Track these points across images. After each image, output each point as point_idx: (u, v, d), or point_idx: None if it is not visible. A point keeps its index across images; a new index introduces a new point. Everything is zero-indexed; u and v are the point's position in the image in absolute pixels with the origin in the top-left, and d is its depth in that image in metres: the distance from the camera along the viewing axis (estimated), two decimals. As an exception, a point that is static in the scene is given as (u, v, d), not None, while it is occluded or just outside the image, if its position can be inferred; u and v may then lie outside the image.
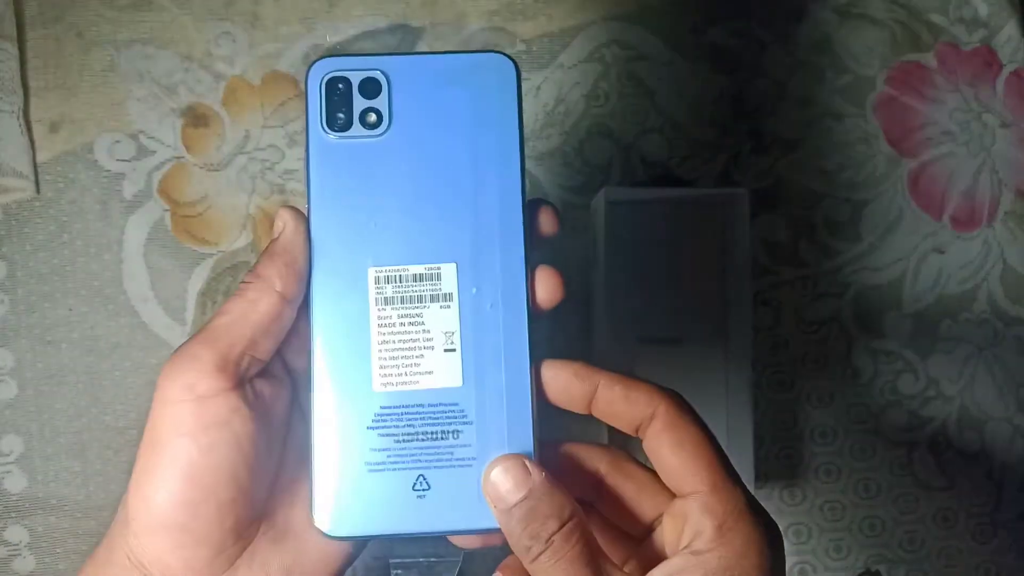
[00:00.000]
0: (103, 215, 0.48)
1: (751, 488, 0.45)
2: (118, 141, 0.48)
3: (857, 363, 0.51)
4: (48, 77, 0.48)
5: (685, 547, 0.26)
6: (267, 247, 0.28)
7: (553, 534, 0.25)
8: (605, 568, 0.25)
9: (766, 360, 0.50)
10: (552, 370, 0.28)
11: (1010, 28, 0.52)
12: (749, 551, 0.25)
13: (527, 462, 0.26)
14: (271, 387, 0.28)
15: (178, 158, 0.49)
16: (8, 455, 0.48)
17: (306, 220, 0.28)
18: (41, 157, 0.48)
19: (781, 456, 0.51)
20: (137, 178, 0.48)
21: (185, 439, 0.26)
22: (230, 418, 0.26)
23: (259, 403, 0.27)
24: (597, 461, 0.29)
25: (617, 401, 0.28)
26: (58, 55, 0.48)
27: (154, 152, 0.48)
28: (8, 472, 0.48)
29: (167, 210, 0.48)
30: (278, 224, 0.28)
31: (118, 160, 0.48)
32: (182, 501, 0.26)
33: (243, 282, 0.28)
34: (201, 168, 0.49)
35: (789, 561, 0.51)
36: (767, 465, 0.50)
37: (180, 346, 0.27)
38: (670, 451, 0.27)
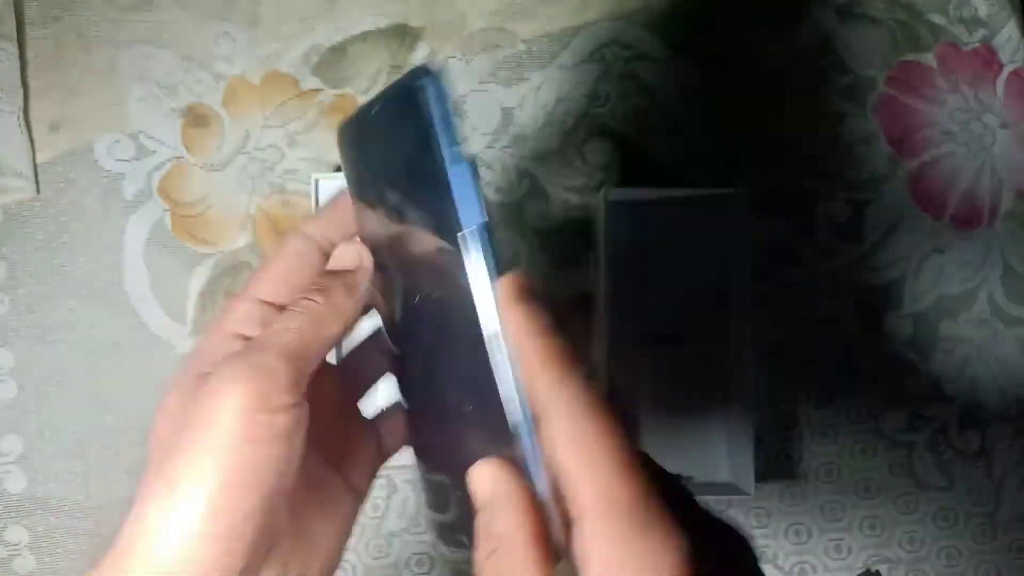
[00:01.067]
0: (103, 215, 0.48)
1: (751, 488, 0.45)
2: (118, 141, 0.48)
3: (857, 363, 0.51)
4: (48, 77, 0.48)
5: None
6: (341, 274, 0.29)
7: (500, 534, 0.24)
8: None
9: (767, 360, 0.50)
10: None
11: (1010, 28, 0.52)
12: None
13: (497, 464, 0.25)
14: (305, 401, 0.28)
15: (178, 158, 0.49)
16: (8, 455, 0.48)
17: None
18: (41, 157, 0.48)
19: (781, 456, 0.51)
20: (137, 178, 0.48)
21: (256, 449, 0.25)
22: (293, 432, 0.26)
23: (305, 419, 0.27)
24: None
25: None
26: (58, 55, 0.48)
27: (154, 152, 0.48)
28: (8, 472, 0.48)
29: (167, 210, 0.48)
30: (353, 257, 0.30)
31: (118, 160, 0.48)
32: (244, 513, 0.25)
33: (312, 300, 0.28)
34: (201, 168, 0.49)
35: (789, 561, 0.51)
36: (767, 465, 0.50)
37: (239, 355, 0.26)
38: (558, 461, 0.23)
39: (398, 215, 0.28)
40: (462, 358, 0.27)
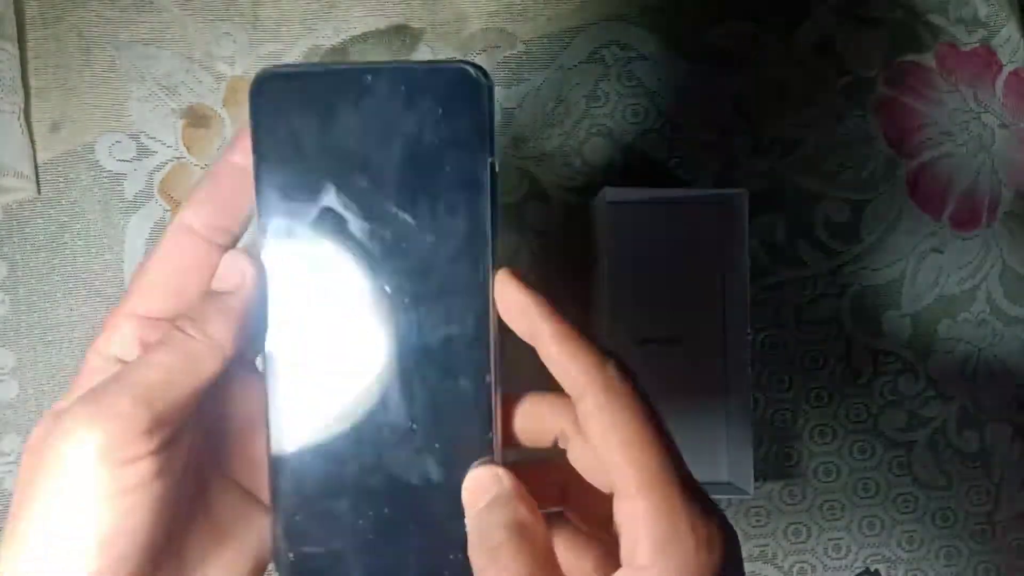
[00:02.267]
0: (104, 215, 0.48)
1: (750, 488, 0.46)
2: (119, 141, 0.48)
3: (857, 363, 0.51)
4: (48, 77, 0.48)
5: (627, 561, 0.23)
6: (220, 297, 0.24)
7: (499, 545, 0.23)
8: None
9: (766, 360, 0.50)
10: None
11: (1010, 28, 0.52)
12: (691, 561, 0.23)
13: (500, 472, 0.25)
14: (184, 439, 0.25)
15: (179, 159, 0.49)
16: (8, 455, 0.48)
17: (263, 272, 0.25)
18: (41, 157, 0.48)
19: (780, 456, 0.51)
20: (138, 178, 0.48)
21: (103, 503, 0.22)
22: (151, 481, 0.23)
23: (178, 460, 0.24)
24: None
25: (552, 366, 0.25)
26: (58, 55, 0.48)
27: (155, 152, 0.49)
28: (8, 472, 0.48)
29: (168, 210, 0.48)
30: (235, 276, 0.25)
31: (119, 160, 0.48)
32: (98, 570, 0.22)
33: (183, 331, 0.24)
34: (202, 168, 0.49)
35: (788, 561, 0.51)
36: (766, 465, 0.50)
37: (93, 393, 0.23)
38: (596, 442, 0.24)
39: (375, 198, 0.25)
40: (433, 361, 0.25)
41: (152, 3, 0.49)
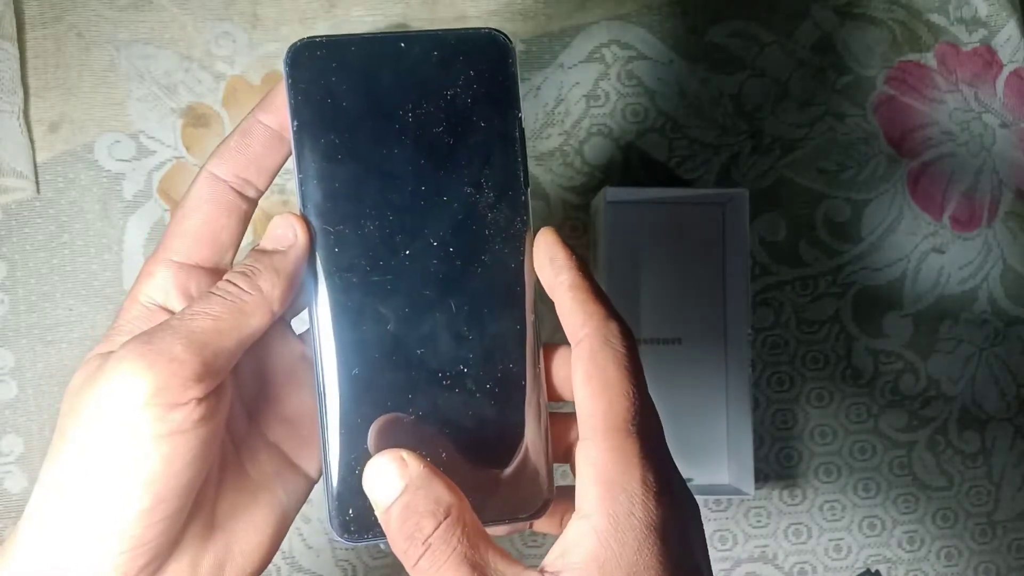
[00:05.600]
0: (103, 215, 0.48)
1: (750, 488, 0.45)
2: (118, 141, 0.48)
3: (857, 363, 0.51)
4: (48, 77, 0.48)
5: (578, 507, 0.24)
6: (270, 255, 0.25)
7: (429, 535, 0.23)
8: (493, 566, 0.23)
9: (766, 360, 0.50)
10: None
11: (1010, 28, 0.52)
12: (636, 508, 0.23)
13: (404, 455, 0.24)
14: (226, 391, 0.25)
15: (178, 158, 0.49)
16: (8, 455, 0.48)
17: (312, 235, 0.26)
18: (41, 157, 0.48)
19: (781, 456, 0.51)
20: (137, 178, 0.48)
21: (148, 445, 0.23)
22: (196, 427, 0.23)
23: (221, 411, 0.25)
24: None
25: (563, 314, 0.25)
26: (58, 55, 0.48)
27: (154, 152, 0.49)
28: (8, 472, 0.48)
29: (167, 210, 0.48)
30: (287, 234, 0.25)
31: (118, 160, 0.48)
32: (138, 511, 0.23)
33: (235, 284, 0.25)
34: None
35: (789, 561, 0.51)
36: (767, 465, 0.50)
37: (144, 336, 0.23)
38: (577, 385, 0.24)
39: (413, 155, 0.26)
40: (475, 310, 0.26)
41: (151, 3, 0.49)
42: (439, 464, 0.26)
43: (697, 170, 0.50)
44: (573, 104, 0.50)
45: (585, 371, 0.24)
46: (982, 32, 0.52)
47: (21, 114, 0.48)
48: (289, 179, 0.49)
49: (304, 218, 0.26)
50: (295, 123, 0.26)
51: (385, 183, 0.26)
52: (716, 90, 0.51)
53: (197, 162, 0.48)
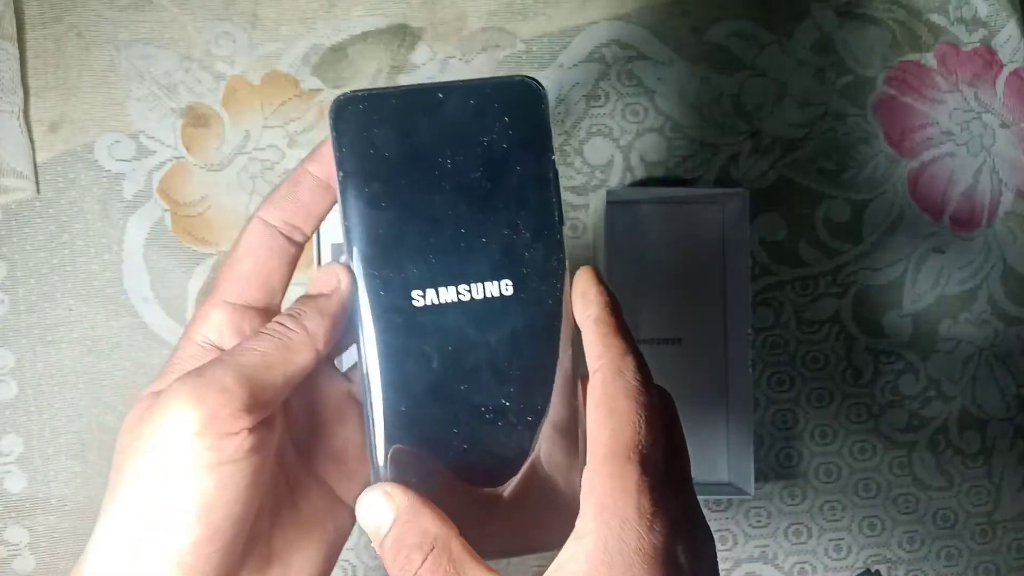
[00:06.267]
0: (103, 215, 0.48)
1: (750, 488, 0.45)
2: (118, 141, 0.48)
3: (857, 363, 0.51)
4: (48, 77, 0.48)
5: (575, 530, 0.24)
6: (315, 299, 0.27)
7: (418, 568, 0.24)
8: None
9: (766, 360, 0.50)
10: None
11: (1010, 28, 0.52)
12: (627, 533, 0.23)
13: (389, 488, 0.26)
14: (276, 424, 0.27)
15: (178, 158, 0.49)
16: (8, 455, 0.48)
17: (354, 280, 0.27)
18: (41, 157, 0.48)
19: (781, 456, 0.51)
20: (137, 178, 0.48)
21: (201, 474, 0.24)
22: (247, 456, 0.24)
23: (271, 443, 0.26)
24: None
25: (586, 345, 0.27)
26: (58, 55, 0.48)
27: (154, 152, 0.49)
28: (8, 472, 0.48)
29: (167, 210, 0.48)
30: (331, 280, 0.27)
31: (118, 160, 0.48)
32: (194, 541, 0.24)
33: (283, 325, 0.26)
34: (201, 168, 0.49)
35: (789, 561, 0.51)
36: (767, 465, 0.50)
37: (196, 371, 0.25)
38: (588, 412, 0.26)
39: (451, 202, 0.27)
40: (516, 345, 0.27)
41: (151, 3, 0.49)
42: (474, 496, 0.27)
43: (697, 170, 0.50)
44: (573, 104, 0.50)
45: (595, 399, 0.25)
46: (982, 32, 0.52)
47: (21, 114, 0.48)
48: (289, 179, 0.49)
49: (347, 265, 0.27)
50: (340, 173, 0.27)
51: (426, 228, 0.27)
52: (716, 90, 0.51)
53: (197, 162, 0.49)
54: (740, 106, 0.51)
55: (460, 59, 0.50)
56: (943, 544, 0.52)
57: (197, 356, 0.27)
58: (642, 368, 0.26)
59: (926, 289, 0.51)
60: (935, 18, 0.52)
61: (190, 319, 0.28)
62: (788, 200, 0.51)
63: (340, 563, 0.49)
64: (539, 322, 0.27)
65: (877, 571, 0.51)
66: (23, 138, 0.48)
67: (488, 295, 0.27)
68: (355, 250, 0.27)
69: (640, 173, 0.50)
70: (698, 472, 0.47)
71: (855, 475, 0.51)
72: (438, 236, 0.27)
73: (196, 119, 0.49)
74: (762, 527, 0.50)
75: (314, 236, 0.46)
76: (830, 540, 0.51)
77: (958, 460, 0.52)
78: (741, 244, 0.47)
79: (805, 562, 0.51)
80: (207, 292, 0.48)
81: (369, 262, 0.27)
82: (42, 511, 0.48)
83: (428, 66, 0.50)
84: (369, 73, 0.49)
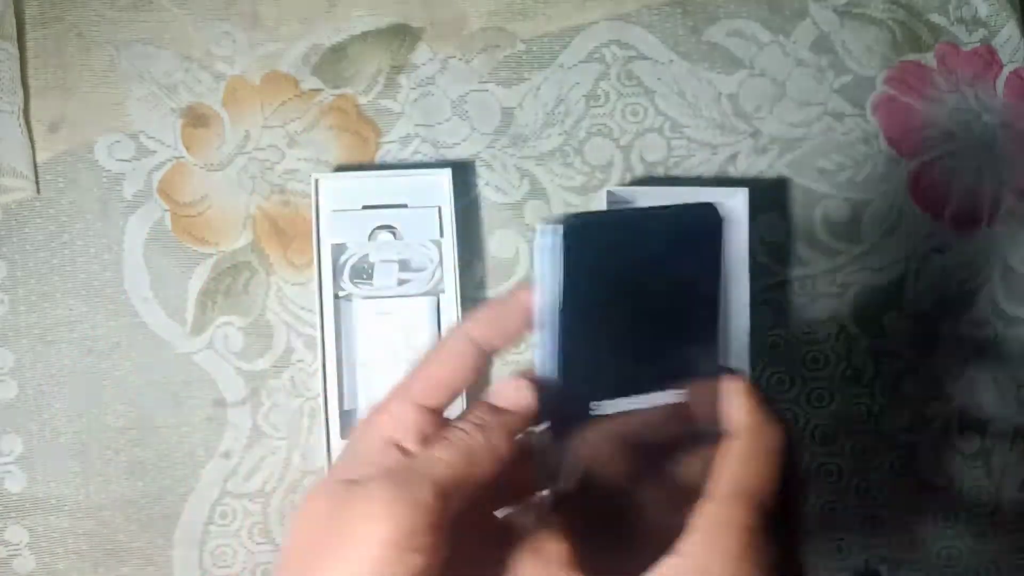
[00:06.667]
0: (103, 215, 0.48)
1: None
2: (118, 141, 0.48)
3: (857, 363, 0.51)
4: (48, 77, 0.48)
5: (678, 548, 0.27)
6: (502, 415, 0.28)
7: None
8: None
9: (766, 360, 0.50)
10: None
11: (1010, 28, 0.52)
12: (727, 565, 0.27)
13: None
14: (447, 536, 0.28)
15: (178, 158, 0.49)
16: (8, 455, 0.48)
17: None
18: (41, 157, 0.48)
19: (781, 456, 0.51)
20: (137, 178, 0.48)
21: None
22: (430, 571, 0.26)
23: (445, 551, 0.27)
24: None
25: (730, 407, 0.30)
26: (58, 55, 0.48)
27: (154, 152, 0.49)
28: (8, 472, 0.48)
29: (167, 210, 0.48)
30: (519, 400, 0.29)
31: (118, 160, 0.48)
32: None
33: (469, 435, 0.28)
34: (201, 168, 0.49)
35: (789, 561, 0.51)
36: (767, 465, 0.50)
37: (392, 478, 0.26)
38: (721, 455, 0.29)
39: (642, 317, 0.29)
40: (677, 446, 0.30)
41: (151, 3, 0.49)
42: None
43: (697, 170, 0.50)
44: (573, 104, 0.50)
45: (731, 446, 0.29)
46: (982, 32, 0.52)
47: (21, 114, 0.48)
48: (290, 179, 0.49)
49: (533, 381, 0.29)
50: (555, 289, 0.29)
51: (617, 339, 0.29)
52: (715, 90, 0.51)
53: (197, 162, 0.49)
54: (739, 106, 0.51)
55: (460, 59, 0.50)
56: (943, 544, 0.52)
57: (381, 451, 0.28)
58: (780, 433, 0.29)
59: (926, 289, 0.51)
60: (935, 18, 0.52)
61: (375, 407, 0.29)
62: (788, 200, 0.51)
63: (340, 563, 0.49)
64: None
65: (877, 571, 0.51)
66: (23, 138, 0.48)
67: (661, 404, 0.30)
68: (563, 368, 0.29)
69: (640, 173, 0.50)
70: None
71: (855, 475, 0.51)
72: (629, 350, 0.29)
73: (196, 119, 0.49)
74: (762, 527, 0.50)
75: (314, 236, 0.46)
76: (830, 540, 0.51)
77: (958, 460, 0.52)
78: (741, 244, 0.47)
79: (806, 562, 0.51)
80: (207, 292, 0.48)
81: (564, 369, 0.29)
82: (42, 511, 0.48)
83: (428, 66, 0.50)
84: (369, 73, 0.49)
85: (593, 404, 0.29)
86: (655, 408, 0.29)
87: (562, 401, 0.29)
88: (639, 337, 0.29)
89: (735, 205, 0.48)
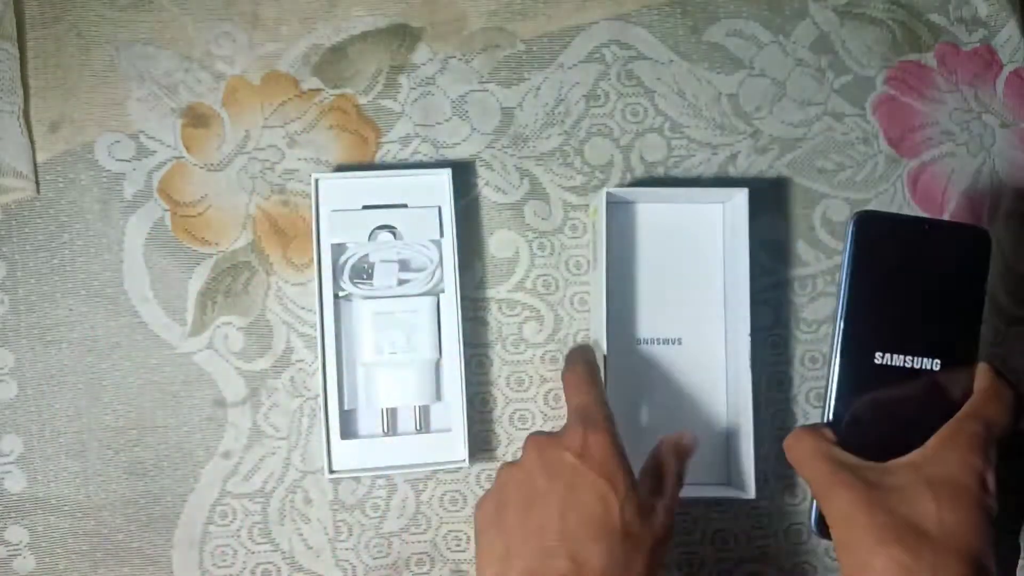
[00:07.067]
0: (103, 215, 0.48)
1: (751, 489, 0.45)
2: (118, 141, 0.48)
3: (857, 363, 0.51)
4: (48, 77, 0.48)
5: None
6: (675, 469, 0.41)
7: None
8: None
9: (766, 360, 0.50)
10: None
11: (1010, 28, 0.52)
12: (949, 456, 0.37)
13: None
14: None
15: (178, 158, 0.49)
16: (8, 455, 0.48)
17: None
18: (41, 157, 0.48)
19: (781, 456, 0.51)
20: (137, 178, 0.48)
21: None
22: None
23: None
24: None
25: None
26: (58, 55, 0.48)
27: (154, 152, 0.49)
28: (8, 472, 0.48)
29: (167, 210, 0.48)
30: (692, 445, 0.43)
31: (118, 160, 0.48)
32: None
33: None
34: (201, 168, 0.49)
35: (789, 562, 0.51)
36: (767, 465, 0.50)
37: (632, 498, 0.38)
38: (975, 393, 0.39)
39: (918, 299, 0.39)
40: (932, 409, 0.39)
41: (151, 3, 0.49)
42: None
43: (697, 170, 0.50)
44: (573, 104, 0.50)
45: (979, 386, 0.39)
46: (982, 32, 0.52)
47: (21, 114, 0.48)
48: (289, 179, 0.49)
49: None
50: (851, 268, 0.40)
51: (899, 313, 0.39)
52: (715, 90, 0.51)
53: (197, 162, 0.49)
54: (739, 106, 0.51)
55: (460, 59, 0.50)
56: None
57: None
58: (1013, 390, 0.38)
59: (926, 289, 0.51)
60: (935, 18, 0.52)
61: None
62: (788, 200, 0.51)
63: (340, 563, 0.49)
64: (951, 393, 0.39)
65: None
66: (23, 138, 0.48)
67: (923, 367, 0.39)
68: (848, 319, 0.39)
69: (640, 173, 0.50)
70: (698, 473, 0.47)
71: (855, 475, 0.51)
72: (904, 320, 0.39)
73: (196, 119, 0.49)
74: (762, 527, 0.50)
75: (314, 236, 0.46)
76: (830, 540, 0.51)
77: (958, 460, 0.52)
78: (741, 244, 0.47)
79: (806, 563, 0.51)
80: (207, 292, 0.48)
81: (854, 326, 0.39)
82: (42, 511, 0.48)
83: (428, 66, 0.50)
84: (369, 73, 0.49)
85: (877, 355, 0.39)
86: (917, 371, 0.39)
87: (849, 348, 0.39)
88: (910, 312, 0.39)
89: (735, 205, 0.48)
